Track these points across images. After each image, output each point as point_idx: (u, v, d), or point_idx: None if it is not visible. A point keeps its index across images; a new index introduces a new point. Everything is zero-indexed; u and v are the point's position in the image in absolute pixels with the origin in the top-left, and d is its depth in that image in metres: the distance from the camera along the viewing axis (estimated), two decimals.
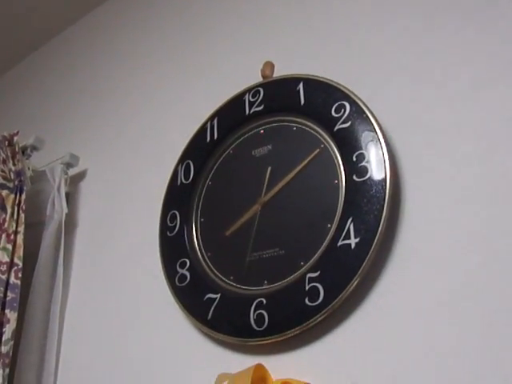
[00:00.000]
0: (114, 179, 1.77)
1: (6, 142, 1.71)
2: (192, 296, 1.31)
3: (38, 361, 1.55)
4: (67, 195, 1.76)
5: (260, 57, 1.49)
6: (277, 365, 1.15)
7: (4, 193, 1.69)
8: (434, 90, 1.17)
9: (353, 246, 1.09)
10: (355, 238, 1.09)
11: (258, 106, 1.39)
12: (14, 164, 1.71)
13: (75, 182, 1.86)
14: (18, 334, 1.55)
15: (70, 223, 1.76)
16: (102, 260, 1.65)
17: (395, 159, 1.15)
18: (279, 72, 1.42)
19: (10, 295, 1.55)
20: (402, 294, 1.06)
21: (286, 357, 1.15)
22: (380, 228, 1.07)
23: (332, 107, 1.24)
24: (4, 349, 1.49)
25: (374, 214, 1.09)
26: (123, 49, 2.05)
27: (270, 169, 1.31)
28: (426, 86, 1.18)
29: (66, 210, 1.71)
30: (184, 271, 1.34)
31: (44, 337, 1.58)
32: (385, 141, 1.13)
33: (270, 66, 1.45)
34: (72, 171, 1.82)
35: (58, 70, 2.31)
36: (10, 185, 1.71)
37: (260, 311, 1.17)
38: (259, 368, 1.13)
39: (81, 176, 1.87)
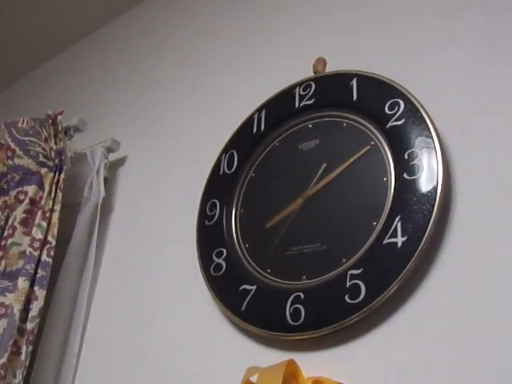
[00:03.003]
0: (153, 167, 1.75)
1: (50, 121, 1.70)
2: (226, 286, 1.28)
3: (61, 341, 1.54)
4: (105, 180, 1.75)
5: (312, 53, 1.47)
6: (310, 362, 1.11)
7: (43, 171, 1.69)
8: (492, 96, 1.13)
9: (399, 244, 1.05)
10: (402, 236, 1.06)
11: (309, 99, 1.36)
12: (55, 143, 1.70)
13: (114, 167, 1.85)
14: (44, 312, 1.54)
15: (106, 207, 1.75)
16: (136, 246, 1.63)
17: (449, 160, 1.12)
18: (331, 69, 1.40)
19: (40, 272, 1.54)
20: (445, 297, 1.01)
21: (320, 355, 1.12)
22: (429, 228, 1.03)
23: (386, 104, 1.21)
24: (29, 325, 1.47)
25: (424, 213, 1.05)
26: (173, 38, 2.05)
27: (325, 165, 1.27)
28: (485, 91, 1.15)
29: (103, 194, 1.70)
30: (220, 261, 1.32)
31: (70, 318, 1.57)
32: (438, 140, 1.10)
33: (322, 62, 1.43)
34: (112, 156, 1.82)
35: (107, 56, 2.32)
36: (50, 163, 1.70)
37: (297, 306, 1.13)
38: (291, 364, 1.09)
39: (121, 162, 1.86)
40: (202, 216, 1.42)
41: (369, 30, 1.43)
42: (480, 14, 1.23)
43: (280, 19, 1.68)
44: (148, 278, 1.54)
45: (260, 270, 1.26)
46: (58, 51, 2.61)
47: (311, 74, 1.42)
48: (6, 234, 1.65)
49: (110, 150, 1.79)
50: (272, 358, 1.14)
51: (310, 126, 1.35)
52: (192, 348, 1.33)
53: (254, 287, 1.23)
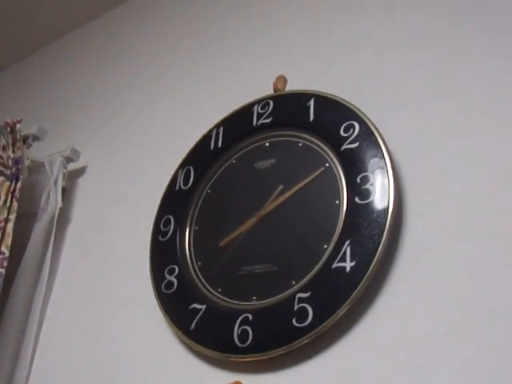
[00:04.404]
0: (112, 178, 1.73)
1: (8, 129, 1.68)
2: (177, 304, 1.27)
3: (13, 354, 1.51)
4: (63, 190, 1.73)
5: (273, 70, 1.47)
6: None
7: (0, 179, 1.66)
8: (446, 116, 1.15)
9: (348, 269, 1.05)
10: (351, 261, 1.06)
11: (267, 118, 1.36)
12: (13, 151, 1.68)
13: (73, 177, 1.83)
14: None
15: (63, 218, 1.72)
16: (91, 258, 1.61)
17: (401, 185, 1.12)
18: (292, 87, 1.39)
19: None
20: (392, 323, 1.02)
21: (267, 377, 1.11)
22: (378, 254, 1.04)
23: (341, 126, 1.21)
24: None
25: (373, 238, 1.05)
26: (132, 49, 2.04)
27: (281, 187, 1.26)
28: (439, 112, 1.16)
29: (60, 204, 1.67)
30: (172, 278, 1.30)
31: (22, 330, 1.54)
32: (391, 166, 1.11)
33: (282, 80, 1.42)
34: (71, 166, 1.79)
35: (67, 65, 2.29)
36: (7, 172, 1.68)
37: (245, 327, 1.13)
38: None
39: (80, 172, 1.83)
40: (156, 231, 1.41)
41: (329, 49, 1.43)
42: (437, 36, 1.25)
43: (242, 36, 1.68)
44: (102, 293, 1.52)
45: (211, 289, 1.24)
46: (18, 59, 2.58)
47: (272, 91, 1.41)
48: None
49: (69, 159, 1.76)
50: (220, 378, 1.14)
51: (267, 144, 1.35)
52: (141, 366, 1.31)
53: (204, 306, 1.22)
